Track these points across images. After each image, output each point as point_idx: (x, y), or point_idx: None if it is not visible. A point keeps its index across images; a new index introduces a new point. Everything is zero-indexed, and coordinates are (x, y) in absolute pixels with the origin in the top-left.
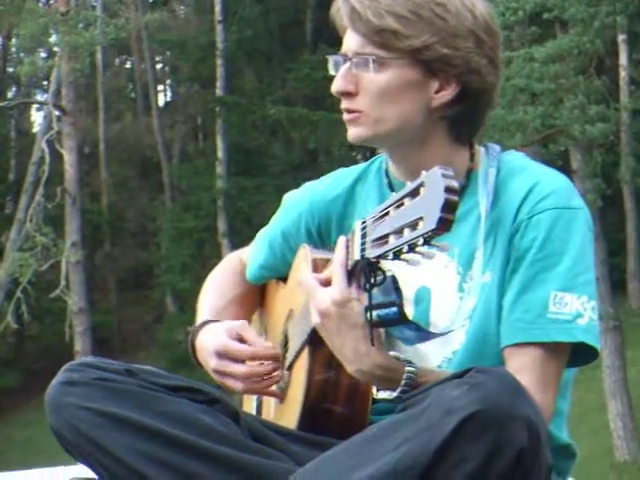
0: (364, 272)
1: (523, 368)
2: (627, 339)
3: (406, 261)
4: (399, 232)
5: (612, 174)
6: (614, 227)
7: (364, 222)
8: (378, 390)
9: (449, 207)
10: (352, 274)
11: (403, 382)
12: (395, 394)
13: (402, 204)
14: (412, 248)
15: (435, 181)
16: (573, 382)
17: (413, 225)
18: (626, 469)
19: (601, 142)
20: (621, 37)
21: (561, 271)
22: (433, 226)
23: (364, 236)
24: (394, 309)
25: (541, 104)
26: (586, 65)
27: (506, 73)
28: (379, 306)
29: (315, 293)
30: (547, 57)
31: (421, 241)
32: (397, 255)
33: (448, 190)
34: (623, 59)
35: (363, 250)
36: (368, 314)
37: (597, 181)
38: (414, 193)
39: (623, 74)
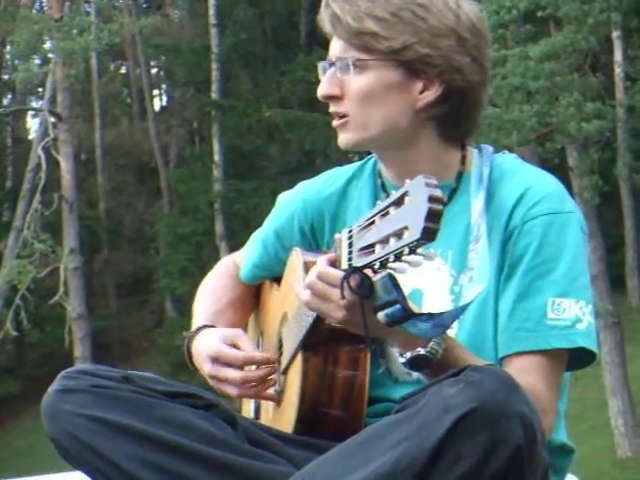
0: (351, 281)
1: (524, 374)
2: (626, 336)
3: (393, 269)
4: (385, 241)
5: (609, 171)
6: (612, 224)
7: (350, 231)
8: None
9: (433, 216)
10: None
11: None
12: (423, 351)
13: (387, 213)
14: (398, 257)
15: (419, 190)
16: (573, 380)
17: (398, 234)
18: (628, 466)
19: (597, 139)
20: (615, 34)
21: (557, 277)
22: (417, 236)
23: (351, 245)
24: (398, 306)
25: (537, 102)
26: (581, 62)
27: (501, 72)
28: (383, 306)
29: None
30: (542, 55)
31: (407, 250)
32: (384, 264)
33: (432, 199)
34: (618, 56)
35: (350, 259)
36: (371, 319)
37: (594, 178)
38: (399, 202)
39: (618, 71)
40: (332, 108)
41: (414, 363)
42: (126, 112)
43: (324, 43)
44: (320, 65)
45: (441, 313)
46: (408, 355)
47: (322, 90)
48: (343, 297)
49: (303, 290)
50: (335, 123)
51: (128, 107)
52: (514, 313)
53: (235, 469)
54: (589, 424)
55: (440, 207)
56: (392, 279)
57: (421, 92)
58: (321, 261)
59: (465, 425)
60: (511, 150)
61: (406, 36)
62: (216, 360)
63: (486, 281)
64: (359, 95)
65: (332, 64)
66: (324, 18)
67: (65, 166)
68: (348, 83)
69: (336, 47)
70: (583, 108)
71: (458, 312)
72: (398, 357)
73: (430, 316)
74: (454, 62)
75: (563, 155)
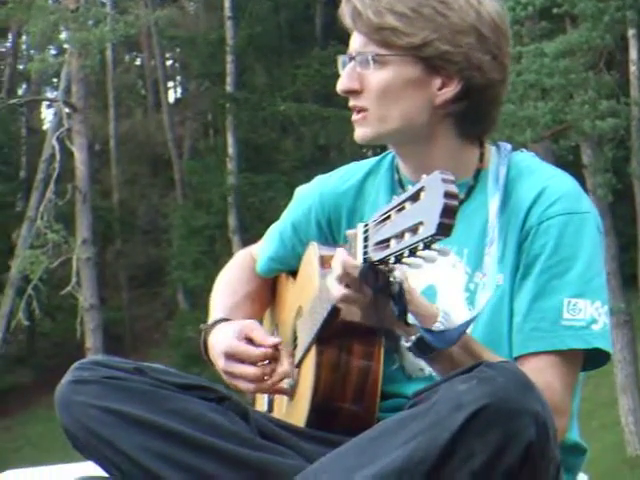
0: (368, 275)
1: (539, 374)
2: (638, 334)
3: (407, 265)
4: (400, 236)
5: (623, 169)
6: (625, 222)
7: (366, 225)
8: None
9: (448, 212)
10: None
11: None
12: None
13: (403, 208)
14: (413, 252)
15: (435, 186)
16: (585, 378)
17: (413, 230)
18: (638, 464)
19: (611, 137)
20: (631, 32)
21: (574, 277)
22: (433, 231)
23: (366, 239)
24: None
25: (551, 99)
26: (596, 60)
27: (517, 68)
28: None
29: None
30: (557, 52)
31: (421, 246)
32: (398, 259)
33: (447, 195)
34: (633, 54)
35: (365, 254)
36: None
37: (608, 176)
38: (415, 197)
39: (633, 69)
40: (351, 102)
41: (419, 346)
42: (140, 103)
43: (340, 37)
44: (340, 59)
45: (446, 330)
46: (413, 338)
47: (342, 84)
48: (361, 291)
49: (337, 284)
50: (354, 117)
51: (142, 98)
52: (530, 313)
53: (247, 462)
54: (600, 422)
55: (455, 203)
56: (401, 288)
57: (440, 88)
58: (341, 255)
59: (477, 421)
60: (525, 147)
61: (426, 32)
62: (230, 356)
63: (493, 289)
64: (378, 90)
65: (352, 58)
66: (345, 12)
67: (79, 157)
68: (367, 78)
69: (356, 41)
70: (597, 106)
71: (464, 326)
72: (404, 343)
73: (429, 331)
74: (474, 59)
75: (577, 153)
